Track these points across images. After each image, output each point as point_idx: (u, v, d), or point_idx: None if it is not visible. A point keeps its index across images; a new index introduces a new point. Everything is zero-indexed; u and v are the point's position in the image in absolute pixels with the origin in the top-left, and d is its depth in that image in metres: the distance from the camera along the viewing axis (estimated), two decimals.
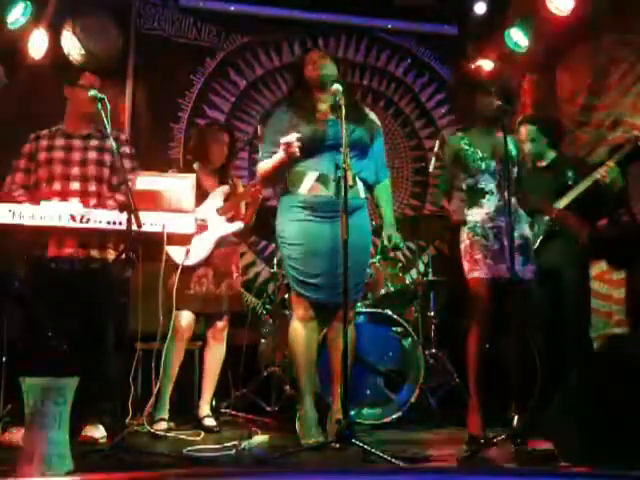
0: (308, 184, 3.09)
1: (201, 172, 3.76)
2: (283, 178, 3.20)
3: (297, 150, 2.96)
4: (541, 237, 3.80)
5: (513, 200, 3.17)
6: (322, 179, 3.08)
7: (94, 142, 3.34)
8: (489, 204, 3.22)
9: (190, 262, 3.57)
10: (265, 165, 3.18)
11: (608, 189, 3.65)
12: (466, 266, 3.24)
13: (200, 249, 3.61)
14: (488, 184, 3.24)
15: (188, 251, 3.50)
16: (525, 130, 3.93)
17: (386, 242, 3.25)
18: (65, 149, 3.30)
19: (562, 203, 3.77)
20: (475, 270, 3.19)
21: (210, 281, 3.65)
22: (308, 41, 5.62)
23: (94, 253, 3.20)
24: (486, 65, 4.44)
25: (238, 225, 3.77)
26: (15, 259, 3.20)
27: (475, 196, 3.25)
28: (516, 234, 3.11)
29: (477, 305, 3.20)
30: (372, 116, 3.31)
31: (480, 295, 3.18)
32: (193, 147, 3.87)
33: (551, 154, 3.97)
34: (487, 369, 3.22)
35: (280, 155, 3.05)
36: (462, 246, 3.27)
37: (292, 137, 2.96)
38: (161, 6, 5.34)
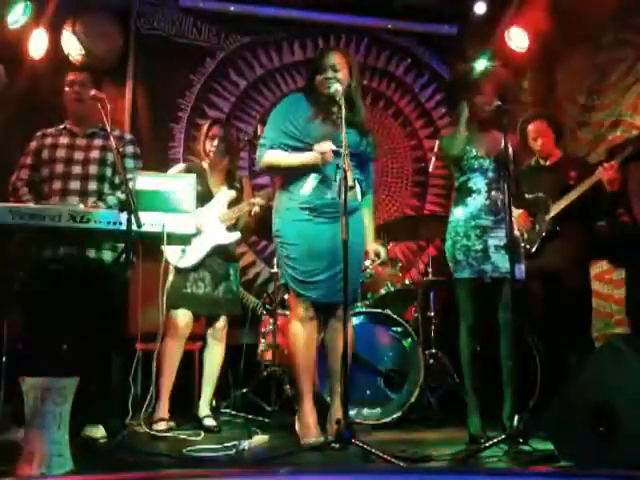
0: (310, 185, 3.08)
1: (208, 170, 3.76)
2: (284, 176, 3.19)
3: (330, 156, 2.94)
4: (542, 235, 3.80)
5: (499, 199, 3.17)
6: (324, 181, 3.07)
7: (98, 141, 3.34)
8: (474, 203, 3.21)
9: (185, 264, 3.57)
10: (285, 159, 3.07)
11: (605, 189, 3.65)
12: (450, 267, 3.24)
13: (195, 252, 3.60)
14: (477, 183, 3.23)
15: (184, 252, 3.50)
16: (537, 126, 3.94)
17: (373, 257, 3.28)
18: (68, 148, 3.31)
19: (562, 203, 3.77)
20: (458, 271, 3.19)
21: (207, 284, 3.63)
22: (308, 41, 5.62)
23: (90, 254, 3.20)
24: (485, 65, 4.44)
25: (236, 236, 3.74)
26: (15, 259, 3.20)
27: (462, 194, 3.25)
28: (502, 234, 3.10)
29: (463, 306, 3.20)
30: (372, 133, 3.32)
31: (464, 296, 3.18)
32: (194, 145, 3.89)
33: (557, 152, 3.99)
34: (486, 369, 3.22)
35: (315, 157, 2.97)
36: (446, 246, 3.27)
37: (330, 146, 2.93)
38: (161, 6, 5.34)
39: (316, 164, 3.00)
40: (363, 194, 3.24)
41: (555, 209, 3.79)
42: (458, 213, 3.24)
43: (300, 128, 3.07)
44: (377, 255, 3.28)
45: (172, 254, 3.47)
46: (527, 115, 4.14)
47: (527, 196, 3.76)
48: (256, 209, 3.72)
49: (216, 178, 3.79)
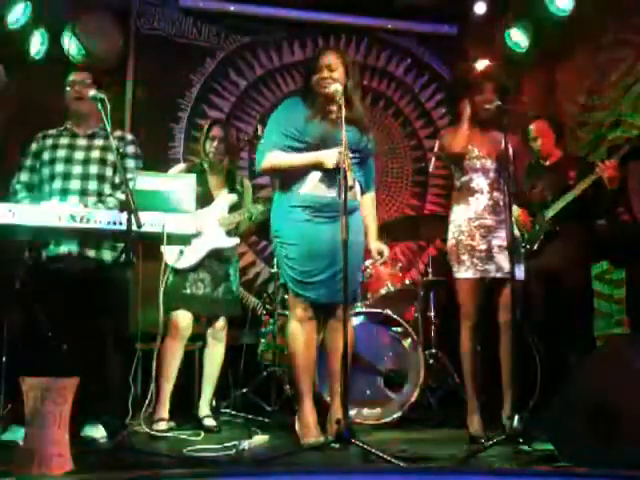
0: (310, 184, 3.08)
1: (208, 171, 3.76)
2: (282, 176, 3.19)
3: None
4: (543, 235, 3.80)
5: (501, 200, 3.17)
6: (324, 180, 3.06)
7: (99, 141, 3.34)
8: (477, 203, 3.21)
9: (182, 265, 3.57)
10: (288, 159, 3.07)
11: (606, 188, 3.65)
12: (453, 266, 3.24)
13: (193, 254, 3.59)
14: (480, 183, 3.23)
15: (182, 253, 3.50)
16: (538, 126, 3.94)
17: (376, 255, 3.25)
18: (69, 148, 3.31)
19: (562, 203, 3.77)
20: (461, 270, 3.19)
21: (207, 285, 3.63)
22: (308, 41, 5.62)
23: (90, 253, 3.20)
24: (485, 64, 4.44)
25: (235, 241, 3.74)
26: (15, 259, 3.20)
27: (464, 194, 3.25)
28: (504, 234, 3.10)
29: (465, 306, 3.20)
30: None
31: (467, 296, 3.18)
32: (195, 146, 3.90)
33: (557, 153, 3.99)
34: (486, 369, 3.22)
35: (321, 159, 2.97)
36: (448, 245, 3.27)
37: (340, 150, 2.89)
38: (161, 6, 5.35)
39: (318, 164, 3.00)
40: (365, 191, 3.24)
41: (555, 208, 3.79)
42: (461, 213, 3.23)
43: (300, 129, 3.07)
44: (380, 254, 3.27)
45: (169, 255, 3.47)
46: (528, 115, 4.13)
47: (532, 190, 3.77)
48: (257, 215, 3.72)
49: (216, 179, 3.79)
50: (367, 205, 3.30)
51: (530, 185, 3.87)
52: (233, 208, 3.75)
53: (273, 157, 3.09)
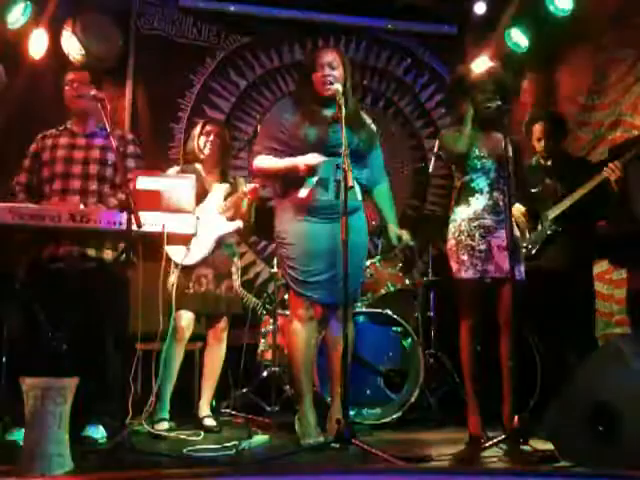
0: (307, 190, 3.08)
1: (202, 170, 3.76)
2: (281, 179, 3.19)
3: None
4: (545, 236, 3.80)
5: (501, 200, 3.17)
6: (322, 182, 3.07)
7: (99, 141, 3.34)
8: (477, 203, 3.21)
9: (190, 261, 3.57)
10: (271, 163, 3.12)
11: (611, 189, 3.65)
12: (452, 266, 3.23)
13: (200, 248, 3.60)
14: (480, 183, 3.23)
15: (189, 250, 3.49)
16: (542, 127, 3.94)
17: (395, 242, 3.26)
18: (68, 147, 3.31)
19: (566, 203, 3.77)
20: (461, 270, 3.18)
21: (210, 281, 3.64)
22: (308, 41, 5.62)
23: (90, 252, 3.20)
24: (485, 65, 4.44)
25: (238, 224, 3.76)
26: (15, 259, 3.20)
27: (464, 194, 3.25)
28: (504, 234, 3.09)
29: (465, 306, 3.19)
30: (370, 123, 3.31)
31: (467, 296, 3.18)
32: (187, 146, 3.91)
33: (558, 153, 3.98)
34: (486, 369, 3.22)
35: (296, 164, 3.01)
36: (448, 246, 3.27)
37: (316, 160, 2.96)
38: (161, 6, 5.34)
39: (296, 171, 3.02)
40: (375, 184, 3.26)
41: (559, 208, 3.78)
42: (461, 213, 3.23)
43: (290, 133, 3.07)
44: (399, 239, 3.26)
45: (176, 252, 3.46)
46: (532, 114, 4.13)
47: (533, 190, 3.76)
48: (255, 190, 3.72)
49: (210, 177, 3.80)
50: (382, 197, 3.32)
51: (530, 186, 3.86)
52: (228, 196, 3.77)
53: (261, 161, 3.14)
